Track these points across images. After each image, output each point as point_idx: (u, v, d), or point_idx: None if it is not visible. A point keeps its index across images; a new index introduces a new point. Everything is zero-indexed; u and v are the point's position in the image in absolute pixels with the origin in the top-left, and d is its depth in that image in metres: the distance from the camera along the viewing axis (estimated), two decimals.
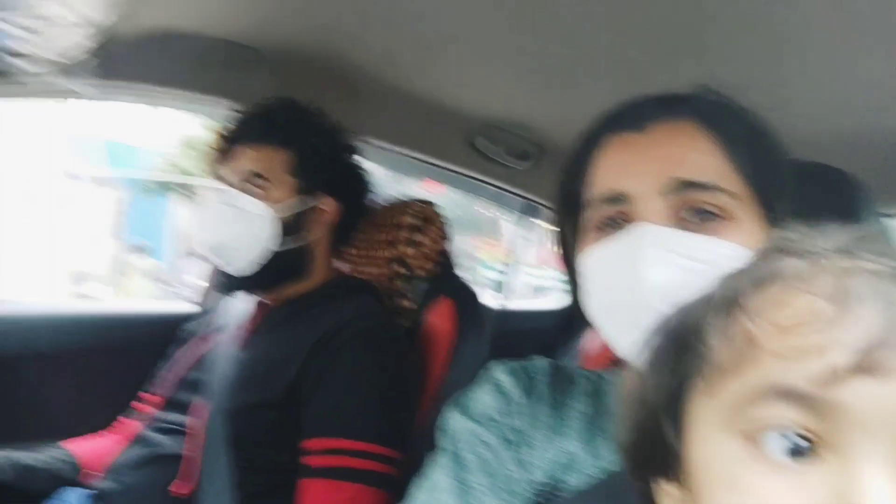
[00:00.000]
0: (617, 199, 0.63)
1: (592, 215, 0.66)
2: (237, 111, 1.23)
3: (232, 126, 1.20)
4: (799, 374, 0.32)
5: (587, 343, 1.51)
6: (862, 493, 0.30)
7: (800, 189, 0.65)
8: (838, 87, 1.10)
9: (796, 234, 0.41)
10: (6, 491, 1.05)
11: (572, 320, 1.84)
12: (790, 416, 0.32)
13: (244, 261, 1.14)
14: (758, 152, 0.64)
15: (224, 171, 1.18)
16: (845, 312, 0.33)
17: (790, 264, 0.37)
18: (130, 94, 1.30)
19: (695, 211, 0.61)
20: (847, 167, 0.88)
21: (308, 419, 1.01)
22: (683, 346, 0.39)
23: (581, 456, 0.63)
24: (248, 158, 1.16)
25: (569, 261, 0.72)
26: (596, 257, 0.65)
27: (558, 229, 0.74)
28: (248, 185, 1.14)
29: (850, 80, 1.07)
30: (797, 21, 0.90)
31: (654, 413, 0.40)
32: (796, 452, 0.32)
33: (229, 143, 1.19)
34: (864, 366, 0.31)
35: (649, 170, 0.62)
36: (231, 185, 1.15)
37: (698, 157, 0.62)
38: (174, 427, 1.09)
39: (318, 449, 0.98)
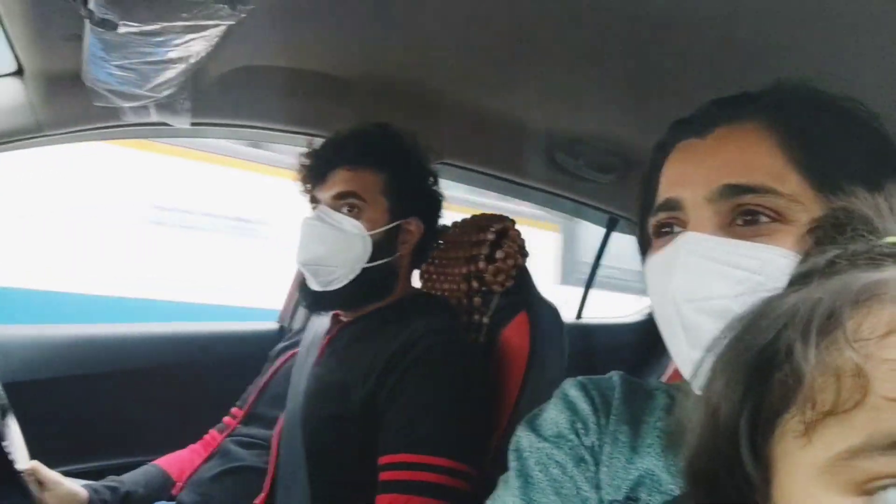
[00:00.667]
0: (672, 206, 0.63)
1: (654, 221, 0.66)
2: (329, 136, 1.29)
3: (327, 149, 1.26)
4: None
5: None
6: None
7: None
8: None
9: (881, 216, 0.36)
10: None
11: (658, 336, 1.79)
12: None
13: (338, 277, 1.19)
14: (831, 145, 0.60)
15: (319, 192, 1.23)
16: None
17: (892, 275, 0.31)
18: (224, 130, 1.39)
19: (748, 214, 0.58)
20: None
21: (383, 435, 1.04)
22: (762, 366, 0.34)
23: (657, 473, 0.61)
24: (344, 179, 1.21)
25: None
26: (650, 266, 0.65)
27: (640, 239, 0.73)
28: (344, 205, 1.20)
29: None
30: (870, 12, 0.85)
31: (727, 440, 0.35)
32: None
33: (325, 165, 1.24)
34: None
35: (701, 176, 0.61)
36: (327, 205, 1.21)
37: (752, 159, 0.60)
38: (255, 440, 1.14)
39: (392, 463, 1.00)
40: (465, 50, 1.19)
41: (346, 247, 1.18)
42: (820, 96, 0.63)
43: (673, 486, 0.60)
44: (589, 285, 1.95)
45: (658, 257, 0.63)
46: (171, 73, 1.07)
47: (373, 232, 1.19)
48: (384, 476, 1.00)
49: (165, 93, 1.11)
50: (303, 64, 1.27)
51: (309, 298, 1.25)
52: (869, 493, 0.29)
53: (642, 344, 1.88)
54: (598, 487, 0.62)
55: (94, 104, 1.06)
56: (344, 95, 1.34)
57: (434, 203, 1.32)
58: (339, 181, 1.21)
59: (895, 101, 1.03)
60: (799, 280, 0.37)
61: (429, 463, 0.99)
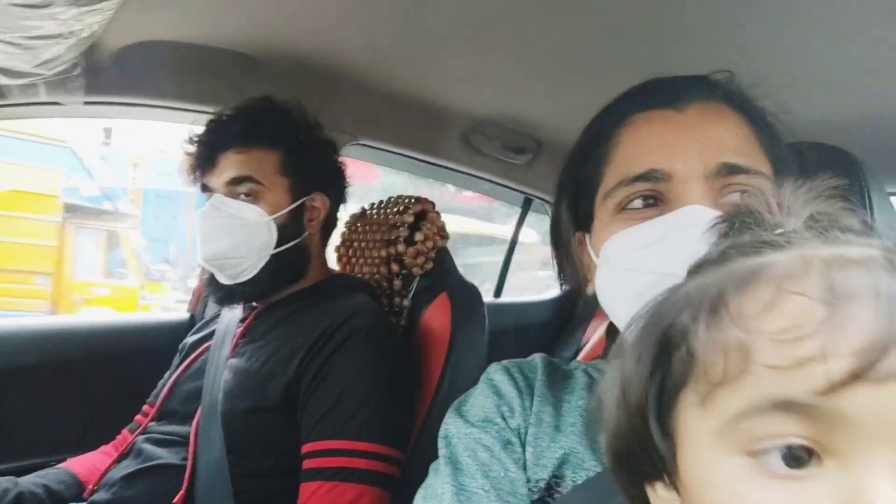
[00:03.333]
0: (655, 176, 0.61)
1: (617, 194, 0.63)
2: (212, 117, 1.19)
3: (212, 131, 1.17)
4: (797, 386, 0.31)
5: (588, 337, 1.51)
6: (868, 499, 0.29)
7: (805, 171, 0.64)
8: (838, 71, 1.10)
9: (769, 211, 0.39)
10: None
11: (572, 312, 1.86)
12: (790, 427, 0.31)
13: (246, 268, 1.13)
14: (780, 136, 0.64)
15: (210, 179, 1.15)
16: (838, 313, 0.31)
17: (773, 259, 0.35)
18: (120, 109, 1.30)
19: (733, 194, 0.60)
20: (850, 149, 0.87)
21: (306, 422, 1.01)
22: (665, 346, 0.38)
23: (580, 451, 0.63)
24: (236, 163, 1.13)
25: (566, 252, 0.71)
26: (629, 238, 0.62)
27: (556, 219, 0.73)
28: (240, 191, 1.13)
29: (848, 63, 1.06)
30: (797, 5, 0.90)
31: (639, 415, 0.39)
32: (799, 463, 0.32)
33: (213, 150, 1.15)
34: (863, 371, 0.30)
35: (693, 150, 0.60)
36: (221, 193, 1.14)
37: (738, 140, 0.61)
38: (170, 437, 1.09)
39: (317, 451, 0.98)
40: (377, 27, 1.17)
41: (250, 236, 1.12)
42: (760, 93, 0.66)
43: (595, 464, 0.62)
44: (507, 265, 1.98)
45: (650, 230, 0.60)
46: (60, 48, 0.99)
47: (276, 215, 1.14)
48: (308, 464, 0.98)
49: (56, 69, 1.03)
50: (206, 39, 1.20)
51: (219, 293, 1.18)
52: (754, 453, 0.32)
53: (556, 320, 1.94)
54: (524, 468, 0.64)
55: None
56: (250, 73, 1.29)
57: (338, 175, 1.27)
58: (230, 165, 1.13)
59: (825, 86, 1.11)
60: (695, 270, 0.41)
61: (354, 449, 0.98)
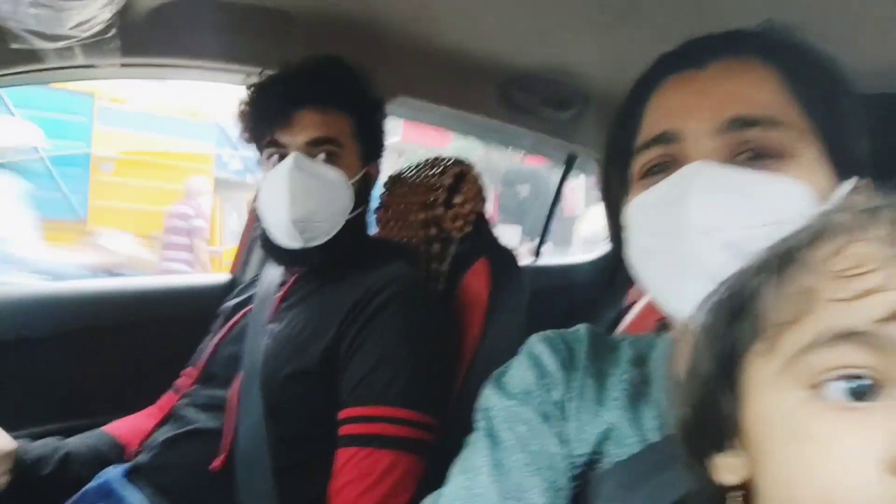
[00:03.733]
0: (668, 138, 0.60)
1: (641, 160, 0.63)
2: (280, 70, 1.16)
3: (285, 85, 1.12)
4: (858, 316, 0.33)
5: (633, 299, 1.47)
6: None
7: (869, 123, 0.60)
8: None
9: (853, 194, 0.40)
10: (50, 480, 1.06)
11: (615, 274, 1.81)
12: (851, 357, 0.32)
13: (323, 232, 1.12)
14: (824, 87, 0.59)
15: (283, 136, 1.10)
16: None
17: (844, 217, 0.37)
18: (157, 70, 1.29)
19: (752, 150, 0.57)
20: None
21: (344, 387, 1.02)
22: (739, 313, 0.39)
23: (622, 426, 0.61)
24: (316, 123, 1.10)
25: (615, 213, 0.69)
26: (642, 203, 0.61)
27: (605, 180, 0.71)
28: (321, 151, 1.10)
29: None
30: None
31: (709, 384, 0.39)
32: (859, 394, 0.32)
33: (288, 105, 1.10)
34: None
35: (705, 107, 0.58)
36: (300, 152, 1.09)
37: (758, 93, 0.58)
38: (211, 402, 1.10)
39: (354, 417, 0.99)
40: None
41: (335, 199, 1.11)
42: (810, 44, 0.61)
43: (636, 440, 0.60)
44: (547, 226, 1.94)
45: (656, 192, 0.60)
46: (93, 8, 0.98)
47: (353, 180, 1.14)
48: (344, 430, 0.99)
49: (91, 31, 1.02)
50: None
51: (285, 258, 1.17)
52: (816, 385, 0.33)
53: (597, 283, 1.90)
54: (565, 442, 0.62)
55: (11, 46, 0.96)
56: (285, 30, 1.26)
57: (384, 143, 1.27)
58: (309, 125, 1.09)
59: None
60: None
61: (390, 416, 0.98)
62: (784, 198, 0.54)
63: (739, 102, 0.57)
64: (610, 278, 1.85)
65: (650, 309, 1.12)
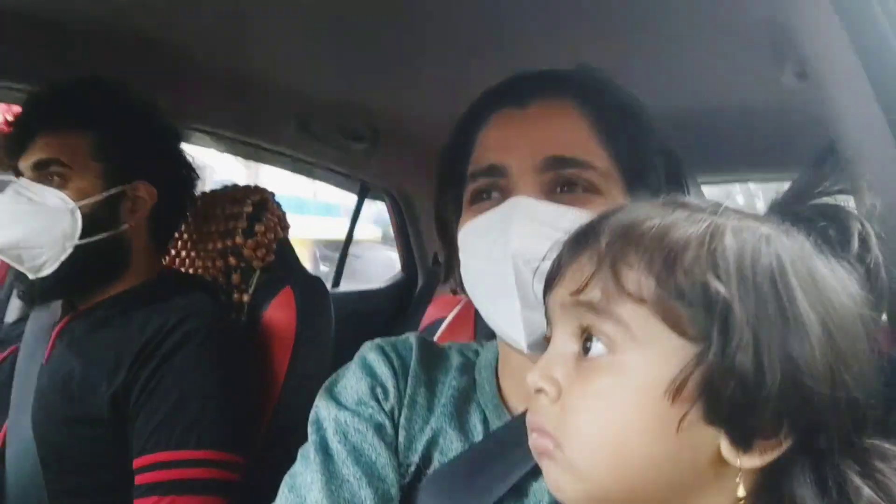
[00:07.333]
0: (495, 171, 0.66)
1: (472, 186, 0.68)
2: (28, 95, 1.08)
3: (25, 113, 1.06)
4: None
5: (430, 319, 1.53)
6: None
7: (653, 166, 0.69)
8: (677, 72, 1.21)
9: None
10: None
11: (420, 296, 1.88)
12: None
13: (47, 259, 1.01)
14: (629, 130, 0.68)
15: (21, 163, 1.04)
16: None
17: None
18: None
19: (566, 185, 0.64)
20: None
21: (138, 434, 0.93)
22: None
23: (449, 432, 0.64)
24: (44, 146, 1.03)
25: (447, 233, 0.73)
26: (472, 228, 0.66)
27: (440, 202, 0.75)
28: (47, 175, 1.03)
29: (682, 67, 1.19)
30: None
31: None
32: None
33: (25, 133, 1.04)
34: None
35: (526, 146, 0.65)
36: (28, 177, 1.03)
37: (571, 135, 0.65)
38: None
39: (152, 464, 0.91)
40: (211, 5, 1.08)
41: (50, 224, 1.01)
42: (617, 88, 0.70)
43: (461, 445, 0.64)
44: (344, 254, 1.95)
45: (485, 220, 0.65)
46: None
47: (82, 203, 1.03)
48: (141, 479, 0.90)
49: None
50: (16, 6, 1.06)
51: (23, 288, 1.05)
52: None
53: (394, 308, 1.95)
54: (396, 452, 0.64)
55: None
56: (61, 45, 1.14)
57: (173, 165, 1.17)
58: (38, 148, 1.03)
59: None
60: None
61: (192, 458, 0.91)
62: None
63: (556, 144, 0.64)
64: (404, 304, 1.93)
65: (460, 320, 1.18)
